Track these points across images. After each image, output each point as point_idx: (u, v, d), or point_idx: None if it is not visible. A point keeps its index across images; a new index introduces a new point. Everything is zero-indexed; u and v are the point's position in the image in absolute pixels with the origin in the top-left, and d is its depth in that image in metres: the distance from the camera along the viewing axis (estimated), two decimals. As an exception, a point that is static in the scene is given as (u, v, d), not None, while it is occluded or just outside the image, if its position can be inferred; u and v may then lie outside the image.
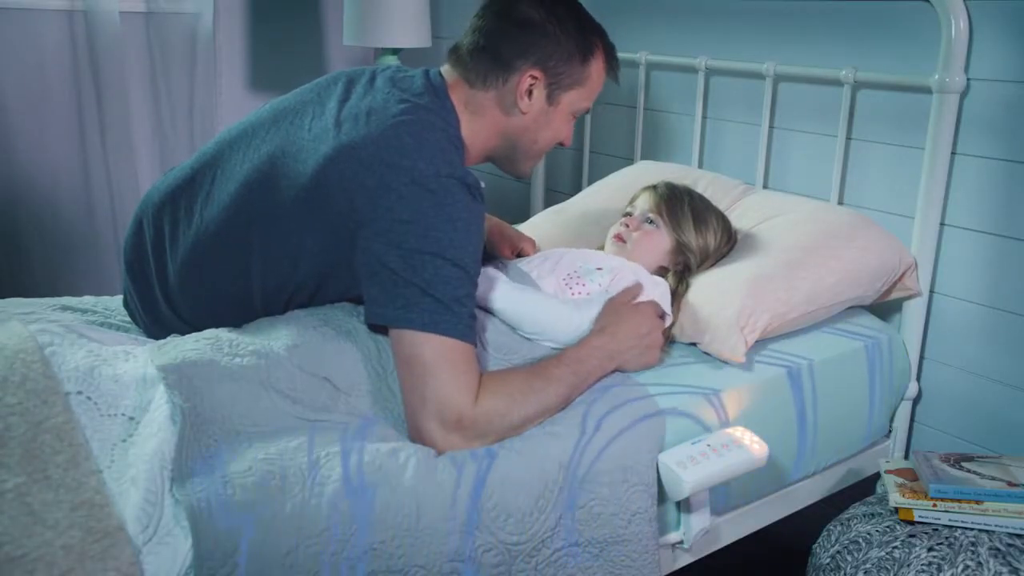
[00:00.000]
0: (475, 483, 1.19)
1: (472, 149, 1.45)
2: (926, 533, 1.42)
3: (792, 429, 1.58)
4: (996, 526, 1.40)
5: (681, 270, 1.69)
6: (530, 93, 1.43)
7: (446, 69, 1.46)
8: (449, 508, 1.16)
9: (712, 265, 1.71)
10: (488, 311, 1.45)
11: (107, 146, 2.55)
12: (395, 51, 2.64)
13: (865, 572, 1.41)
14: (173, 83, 2.65)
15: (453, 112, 1.40)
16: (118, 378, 1.18)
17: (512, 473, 1.22)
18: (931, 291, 1.82)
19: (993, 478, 1.46)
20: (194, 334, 1.33)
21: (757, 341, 1.58)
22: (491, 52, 1.42)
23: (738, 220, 1.84)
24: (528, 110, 1.44)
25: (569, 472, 1.26)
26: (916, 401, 1.87)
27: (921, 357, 1.85)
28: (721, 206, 1.84)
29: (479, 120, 1.44)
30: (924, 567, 1.36)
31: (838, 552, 1.46)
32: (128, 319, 1.54)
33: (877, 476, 1.77)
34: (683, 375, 1.51)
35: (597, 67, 1.48)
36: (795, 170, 2.04)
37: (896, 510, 1.46)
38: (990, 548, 1.37)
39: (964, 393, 1.81)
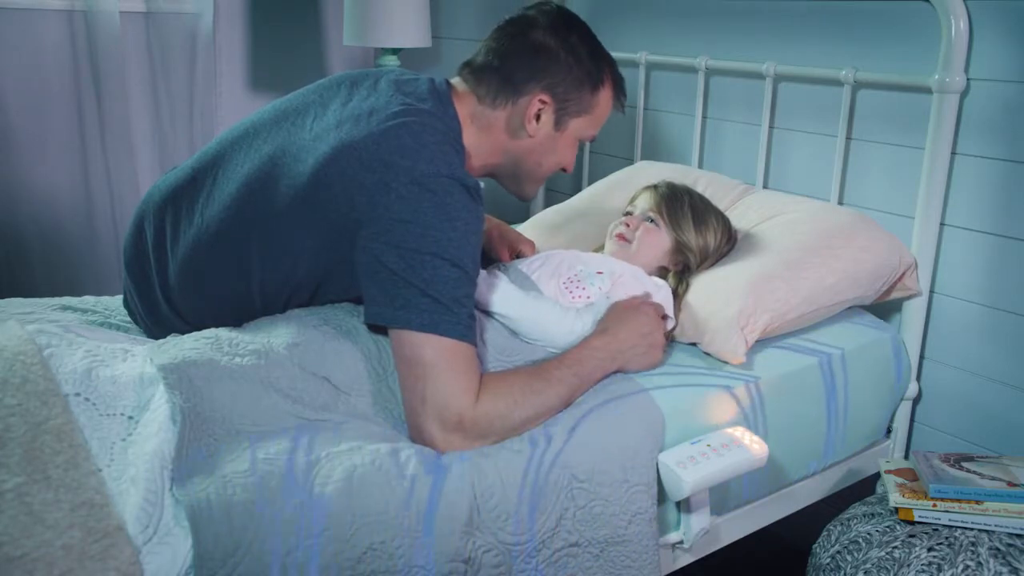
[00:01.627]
0: (476, 483, 1.19)
1: (474, 160, 1.46)
2: (926, 533, 1.42)
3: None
4: (996, 526, 1.40)
5: (681, 270, 1.69)
6: (538, 117, 1.44)
7: (456, 81, 1.47)
8: (449, 508, 1.16)
9: (712, 265, 1.71)
10: (488, 314, 1.45)
11: (107, 146, 2.55)
12: (395, 51, 2.63)
13: (865, 572, 1.41)
14: (173, 83, 2.64)
15: (455, 119, 1.40)
16: (116, 379, 1.18)
17: (512, 474, 1.22)
18: (931, 291, 1.82)
19: (993, 478, 1.46)
20: (194, 333, 1.33)
21: (757, 340, 1.58)
22: (503, 73, 1.43)
23: (738, 220, 1.84)
24: (535, 133, 1.45)
25: (569, 472, 1.26)
26: (916, 401, 1.87)
27: (921, 357, 1.85)
28: (721, 206, 1.84)
29: (484, 135, 1.44)
30: (924, 567, 1.36)
31: (838, 552, 1.46)
32: (128, 319, 1.54)
33: (877, 476, 1.77)
34: (682, 376, 1.51)
35: (605, 96, 1.49)
36: (795, 170, 2.04)
37: (896, 510, 1.46)
38: (990, 548, 1.37)
39: (964, 393, 1.81)
